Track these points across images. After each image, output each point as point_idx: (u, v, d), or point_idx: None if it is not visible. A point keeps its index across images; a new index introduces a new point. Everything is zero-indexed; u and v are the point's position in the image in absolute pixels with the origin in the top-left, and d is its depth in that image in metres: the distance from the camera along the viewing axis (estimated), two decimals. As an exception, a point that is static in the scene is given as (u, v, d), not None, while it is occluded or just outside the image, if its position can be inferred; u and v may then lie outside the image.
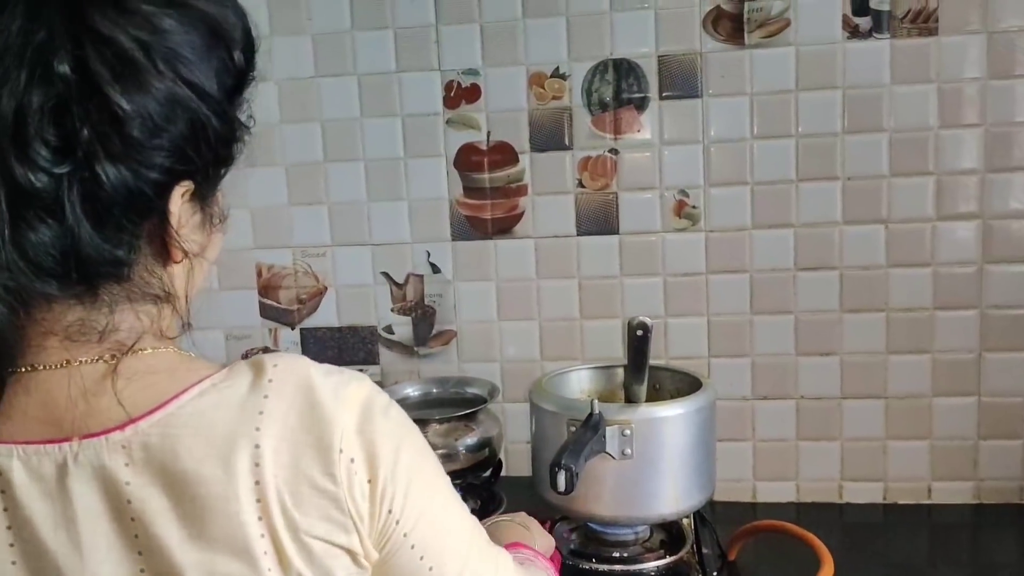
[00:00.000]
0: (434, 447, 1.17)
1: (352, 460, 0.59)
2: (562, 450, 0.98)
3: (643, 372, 1.09)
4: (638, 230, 1.40)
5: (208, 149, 0.61)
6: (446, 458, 1.20)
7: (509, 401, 1.45)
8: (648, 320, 1.04)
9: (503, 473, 1.36)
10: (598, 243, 1.41)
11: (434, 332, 1.47)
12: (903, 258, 1.34)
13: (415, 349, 1.48)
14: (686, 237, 1.39)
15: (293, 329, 1.50)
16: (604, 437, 1.03)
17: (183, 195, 0.61)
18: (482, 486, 1.32)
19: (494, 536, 0.75)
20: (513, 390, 1.45)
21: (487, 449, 1.23)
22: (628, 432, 1.04)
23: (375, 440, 0.61)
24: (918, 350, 1.35)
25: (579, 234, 1.42)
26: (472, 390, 1.32)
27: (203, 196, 0.64)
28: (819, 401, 1.39)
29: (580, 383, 1.23)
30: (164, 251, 0.61)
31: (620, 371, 1.20)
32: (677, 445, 1.06)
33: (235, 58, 0.63)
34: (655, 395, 1.18)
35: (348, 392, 0.61)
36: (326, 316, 1.49)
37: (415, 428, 0.67)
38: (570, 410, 1.07)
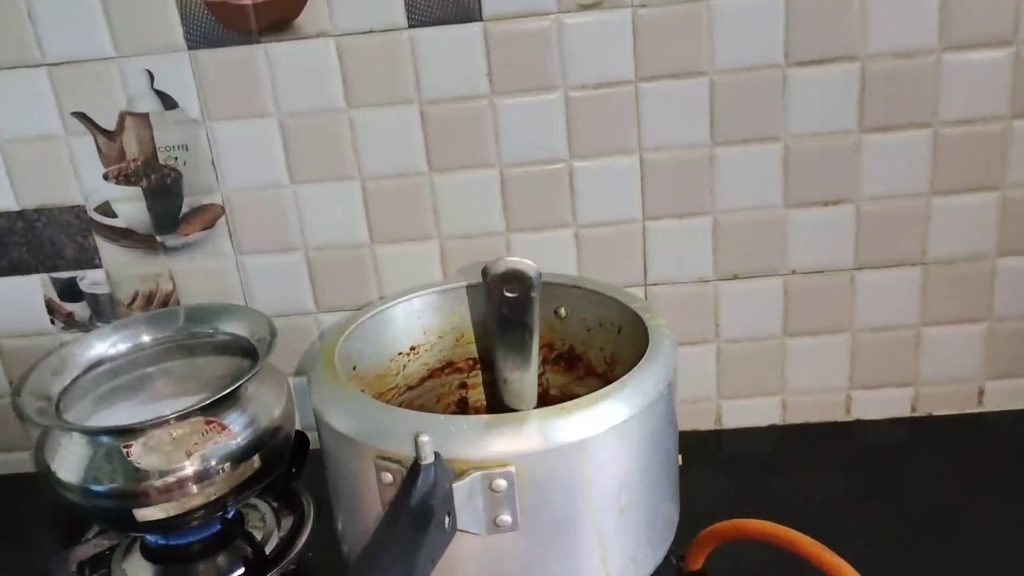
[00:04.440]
0: (154, 475, 0.61)
1: None
2: (365, 566, 0.44)
3: (526, 354, 0.54)
4: (514, 11, 0.78)
5: None
6: (177, 486, 0.65)
7: (327, 310, 0.90)
8: (529, 268, 0.48)
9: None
10: (447, 39, 0.80)
11: (186, 210, 0.87)
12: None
13: (159, 240, 0.88)
14: (598, 20, 0.78)
15: (-57, 220, 0.88)
16: (451, 507, 0.50)
17: None
18: (278, 490, 0.79)
19: None
20: (329, 291, 0.89)
21: (258, 455, 0.68)
22: (504, 483, 0.51)
23: None
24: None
25: (412, 25, 0.79)
26: (230, 328, 0.75)
27: None
28: (820, 276, 0.87)
29: (417, 319, 0.68)
30: None
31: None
32: (608, 485, 0.54)
33: None
34: (557, 333, 0.63)
35: None
36: (-5, 195, 0.87)
37: None
38: (379, 438, 0.53)
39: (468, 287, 0.72)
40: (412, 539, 0.45)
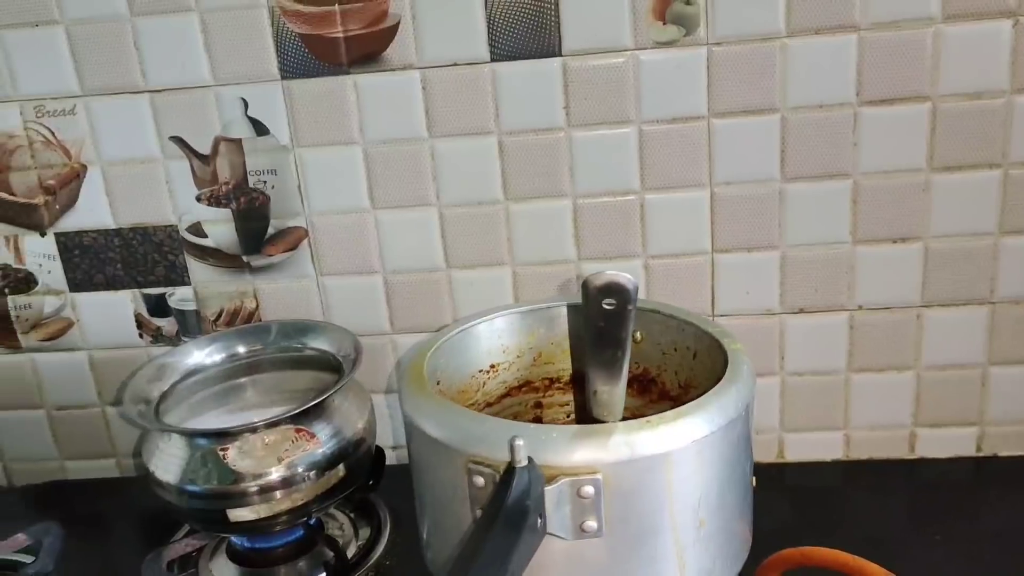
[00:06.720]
0: (247, 478, 0.64)
1: None
2: (463, 564, 0.47)
3: (618, 367, 0.56)
4: (592, 48, 0.82)
5: None
6: (267, 489, 0.68)
7: (402, 331, 0.93)
8: (628, 281, 0.50)
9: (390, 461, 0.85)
10: (527, 73, 0.83)
11: (272, 231, 0.91)
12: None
13: (245, 260, 0.92)
14: (674, 56, 0.81)
15: (44, 236, 0.93)
16: (542, 509, 0.52)
17: None
18: (356, 501, 0.81)
19: None
20: (405, 313, 0.92)
21: (343, 464, 0.71)
22: (592, 490, 0.53)
23: None
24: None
25: (494, 59, 0.83)
26: (317, 344, 0.78)
27: None
28: (886, 313, 0.88)
29: (498, 339, 0.71)
30: None
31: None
32: (688, 498, 0.56)
33: None
34: (632, 356, 0.66)
35: None
36: (94, 212, 0.92)
37: None
38: (472, 443, 0.55)
39: (569, 305, 0.75)
40: (508, 538, 0.47)
